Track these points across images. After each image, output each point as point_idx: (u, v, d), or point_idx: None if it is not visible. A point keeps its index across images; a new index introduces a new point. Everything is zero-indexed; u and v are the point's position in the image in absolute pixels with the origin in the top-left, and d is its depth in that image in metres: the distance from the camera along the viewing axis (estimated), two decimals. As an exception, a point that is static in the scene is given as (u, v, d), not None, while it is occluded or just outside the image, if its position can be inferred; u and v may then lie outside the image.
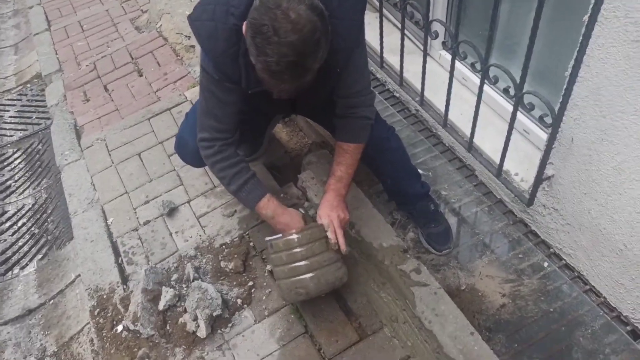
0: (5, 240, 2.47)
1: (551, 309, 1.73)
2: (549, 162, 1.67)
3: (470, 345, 1.36)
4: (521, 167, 1.94)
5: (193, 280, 1.67)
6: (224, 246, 1.83)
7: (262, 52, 1.12)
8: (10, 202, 2.71)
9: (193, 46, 3.07)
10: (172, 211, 2.05)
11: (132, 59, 3.21)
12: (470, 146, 1.98)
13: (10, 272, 2.29)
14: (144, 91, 2.89)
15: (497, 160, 1.87)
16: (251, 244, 1.83)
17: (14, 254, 2.39)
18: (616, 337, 1.62)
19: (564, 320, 1.70)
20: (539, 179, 1.69)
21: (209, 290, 1.59)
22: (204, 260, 1.80)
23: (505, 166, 1.94)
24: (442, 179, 2.18)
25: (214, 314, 1.57)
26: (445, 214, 2.04)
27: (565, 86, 1.41)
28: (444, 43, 1.87)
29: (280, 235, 1.47)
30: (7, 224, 2.56)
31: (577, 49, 1.31)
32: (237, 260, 1.72)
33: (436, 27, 1.93)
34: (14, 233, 2.50)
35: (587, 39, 1.27)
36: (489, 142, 2.03)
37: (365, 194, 2.12)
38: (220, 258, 1.79)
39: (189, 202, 2.09)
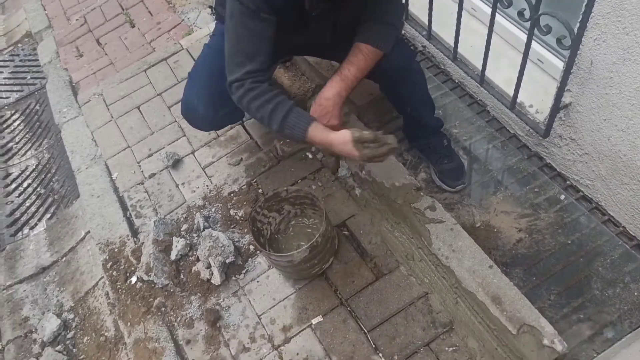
0: (12, 201, 2.45)
1: (569, 241, 1.70)
2: (566, 90, 1.60)
3: (489, 278, 1.33)
4: (536, 98, 1.86)
5: (203, 230, 1.64)
6: (232, 194, 1.80)
7: None
8: (13, 164, 2.67)
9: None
10: (176, 163, 2.00)
11: (123, 9, 3.08)
12: (482, 79, 1.89)
13: (20, 233, 2.28)
14: (138, 42, 2.78)
15: (511, 93, 1.79)
16: (260, 190, 1.79)
17: (22, 214, 2.37)
18: (636, 265, 1.60)
19: (582, 252, 1.67)
20: (556, 108, 1.62)
21: (220, 238, 1.57)
22: (213, 210, 1.76)
23: (519, 98, 1.86)
24: (452, 117, 2.11)
25: (227, 261, 1.55)
26: (457, 152, 1.99)
27: (585, 2, 1.31)
28: (452, -32, 1.75)
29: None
30: (13, 186, 2.54)
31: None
32: (246, 207, 1.69)
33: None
34: (20, 194, 2.48)
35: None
36: (501, 74, 1.94)
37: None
38: (229, 206, 1.76)
39: (193, 152, 2.04)
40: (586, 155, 1.67)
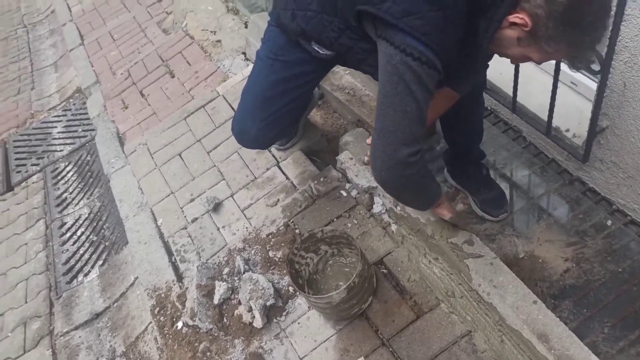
0: (67, 250, 2.58)
1: (620, 269, 1.62)
2: (602, 113, 1.56)
3: (534, 314, 1.29)
4: (572, 122, 1.82)
5: (244, 273, 1.68)
6: (270, 236, 1.84)
7: (594, 30, 1.06)
8: (68, 214, 2.82)
9: (219, 41, 3.08)
10: (217, 206, 2.07)
11: (163, 61, 3.26)
12: (514, 106, 1.88)
13: (75, 280, 2.40)
14: (178, 91, 2.93)
15: (545, 118, 1.77)
16: (297, 230, 1.82)
17: (76, 262, 2.50)
18: (696, 291, 1.51)
19: (635, 280, 1.59)
20: (593, 132, 1.58)
21: (260, 281, 1.60)
22: (252, 252, 1.81)
23: (555, 123, 1.83)
24: (487, 144, 2.08)
25: (268, 303, 1.58)
26: (496, 179, 1.96)
27: (611, 27, 1.29)
28: None
29: None
30: (67, 235, 2.68)
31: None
32: (284, 248, 1.72)
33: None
34: (74, 242, 2.62)
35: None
36: (534, 99, 1.92)
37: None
38: (267, 248, 1.79)
39: (232, 195, 2.10)
40: (630, 178, 1.61)
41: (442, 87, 1.44)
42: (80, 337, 2.09)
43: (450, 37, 1.15)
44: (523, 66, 1.77)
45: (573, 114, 1.83)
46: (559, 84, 1.92)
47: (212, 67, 2.96)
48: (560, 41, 1.07)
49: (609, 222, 1.73)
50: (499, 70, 2.01)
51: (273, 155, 2.17)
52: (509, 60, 1.29)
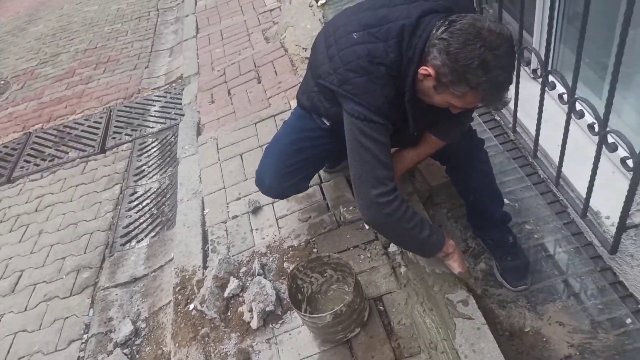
0: (131, 216, 2.90)
1: (623, 370, 1.56)
2: (638, 210, 1.51)
3: (501, 389, 1.30)
4: (615, 210, 1.75)
5: (257, 275, 1.82)
6: (290, 248, 1.97)
7: (488, 71, 1.21)
8: (140, 185, 3.16)
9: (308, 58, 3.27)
10: (256, 210, 2.24)
11: (255, 66, 3.53)
12: (557, 181, 1.85)
13: (129, 244, 2.70)
14: (259, 97, 3.16)
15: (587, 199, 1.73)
16: (314, 249, 1.93)
17: (134, 229, 2.80)
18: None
19: (635, 385, 1.52)
20: (623, 225, 1.54)
21: (267, 287, 1.74)
22: (271, 259, 1.95)
23: (597, 207, 1.79)
24: (529, 212, 2.07)
25: (267, 308, 1.71)
26: (526, 249, 1.94)
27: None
28: (534, 71, 1.77)
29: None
30: (135, 203, 3.00)
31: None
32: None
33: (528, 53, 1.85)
34: (138, 211, 2.93)
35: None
36: (584, 178, 1.87)
37: (443, 216, 2.11)
38: (284, 259, 1.93)
39: (273, 203, 2.26)
40: (657, 282, 1.54)
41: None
42: (116, 294, 2.36)
43: (378, 96, 1.37)
44: (582, 144, 1.74)
45: (619, 201, 1.76)
46: (614, 169, 1.87)
47: (295, 81, 3.17)
48: (462, 84, 1.24)
49: (629, 321, 1.66)
50: (556, 142, 1.99)
51: (319, 175, 2.30)
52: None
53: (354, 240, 1.91)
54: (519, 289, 1.82)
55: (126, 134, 3.70)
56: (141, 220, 2.85)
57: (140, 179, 3.21)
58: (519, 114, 2.05)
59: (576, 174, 1.87)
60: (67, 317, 2.30)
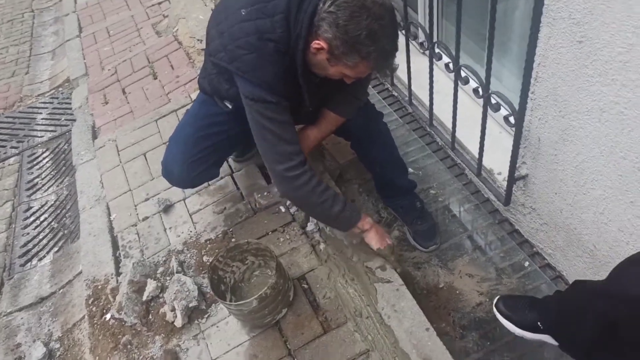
0: (28, 233, 2.67)
1: (527, 310, 1.72)
2: (523, 162, 1.67)
3: (424, 340, 1.39)
4: (505, 166, 1.92)
5: (175, 273, 1.77)
6: (208, 242, 1.93)
7: (376, 41, 1.26)
8: (35, 199, 2.92)
9: (204, 49, 3.19)
10: (168, 208, 2.17)
11: (149, 62, 3.37)
12: (452, 145, 1.99)
13: (29, 263, 2.49)
14: (157, 93, 3.04)
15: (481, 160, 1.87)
16: (233, 239, 1.91)
17: (34, 246, 2.58)
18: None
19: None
20: (512, 178, 1.69)
21: (187, 283, 1.69)
22: (189, 255, 1.90)
23: (490, 165, 1.95)
24: (431, 178, 2.20)
25: (190, 305, 1.67)
26: (432, 212, 2.06)
27: (521, 85, 1.41)
28: (421, 44, 1.88)
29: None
30: (31, 219, 2.77)
31: (527, 49, 1.31)
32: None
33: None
34: (36, 227, 2.70)
35: (534, 39, 1.27)
36: (476, 140, 2.03)
37: (355, 191, 2.18)
38: (203, 253, 1.89)
39: (184, 199, 2.20)
40: (545, 225, 1.72)
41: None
42: (22, 318, 2.18)
43: (269, 72, 1.39)
44: (472, 110, 1.88)
45: (507, 159, 1.93)
46: (500, 129, 2.04)
47: (193, 74, 3.08)
48: (354, 54, 1.29)
49: (527, 264, 1.83)
50: (448, 109, 2.14)
51: (229, 166, 2.27)
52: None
53: (271, 225, 1.92)
54: (430, 249, 1.94)
55: (11, 147, 3.38)
56: (40, 237, 2.64)
57: (34, 192, 2.96)
58: (412, 87, 2.16)
59: (468, 138, 2.02)
60: (-36, 353, 2.08)
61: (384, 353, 1.47)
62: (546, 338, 1.39)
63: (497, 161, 1.94)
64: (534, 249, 1.86)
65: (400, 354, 1.41)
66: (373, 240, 1.66)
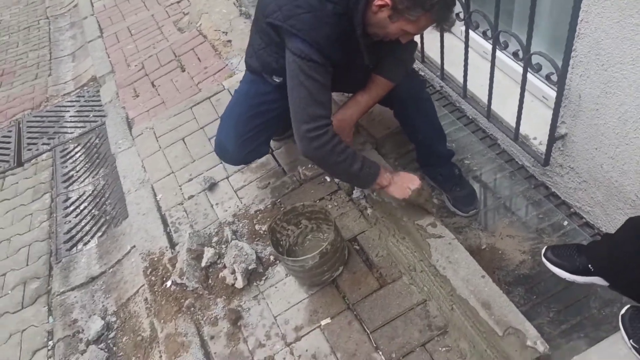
0: (70, 221, 2.76)
1: (570, 264, 1.79)
2: (562, 122, 1.75)
3: (480, 286, 1.46)
4: (540, 131, 2.01)
5: (231, 241, 1.85)
6: (258, 212, 2.02)
7: None
8: (72, 190, 3.01)
9: (230, 41, 3.29)
10: (212, 186, 2.25)
11: (176, 56, 3.47)
12: (488, 114, 2.07)
13: (75, 248, 2.57)
14: (187, 84, 3.13)
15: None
16: (282, 208, 2.00)
17: (77, 232, 2.67)
18: (633, 286, 1.67)
19: (581, 274, 1.76)
20: (552, 138, 1.77)
21: (245, 248, 1.77)
22: (241, 225, 1.98)
23: (525, 131, 2.02)
24: (465, 149, 2.28)
25: (249, 267, 1.75)
26: (470, 180, 2.14)
27: (565, 42, 1.49)
28: (457, 14, 1.96)
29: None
30: (71, 208, 2.86)
31: (572, 3, 1.39)
32: (268, 224, 1.89)
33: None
34: (77, 215, 2.79)
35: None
36: (509, 110, 2.10)
37: (390, 165, 2.26)
38: (255, 222, 1.97)
39: (227, 178, 2.28)
40: (584, 182, 1.79)
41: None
42: (75, 297, 2.26)
43: (322, 34, 1.45)
44: (503, 82, 1.95)
45: (541, 124, 2.01)
46: (533, 98, 2.13)
47: (221, 64, 3.17)
48: (417, 8, 1.36)
49: (565, 223, 1.91)
50: (479, 82, 2.22)
51: (269, 149, 2.35)
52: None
53: (318, 194, 2.00)
54: (470, 214, 2.01)
55: (43, 144, 3.48)
56: (83, 224, 2.72)
57: (71, 184, 3.05)
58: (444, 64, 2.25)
59: (502, 107, 2.10)
60: (24, 330, 2.16)
61: (441, 302, 1.55)
62: (597, 280, 1.45)
63: (531, 128, 2.02)
64: (571, 210, 1.94)
65: (458, 300, 1.48)
66: (395, 192, 1.66)
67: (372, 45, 1.56)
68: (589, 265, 1.45)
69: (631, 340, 1.24)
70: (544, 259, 1.59)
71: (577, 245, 1.59)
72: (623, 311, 1.31)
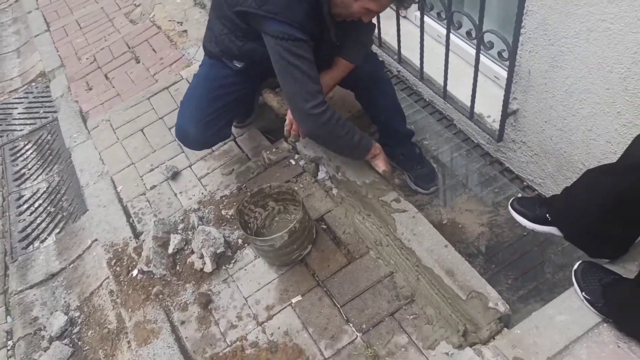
0: (24, 220, 2.65)
1: (525, 233, 1.89)
2: (513, 98, 1.84)
3: (444, 255, 1.53)
4: (493, 109, 2.10)
5: (197, 226, 1.84)
6: (224, 197, 2.01)
7: None
8: (25, 188, 2.89)
9: (185, 31, 3.25)
10: (175, 175, 2.23)
11: (129, 48, 3.39)
12: (444, 94, 2.14)
13: (31, 246, 2.48)
14: (142, 76, 3.07)
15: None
16: (248, 193, 2.00)
17: (33, 230, 2.57)
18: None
19: (536, 242, 1.87)
20: (505, 114, 1.85)
21: (212, 232, 1.77)
22: (207, 211, 1.98)
23: (479, 110, 2.11)
24: (423, 130, 2.35)
25: (218, 251, 1.75)
26: (430, 159, 2.21)
27: (515, 20, 1.57)
28: (412, -1, 2.02)
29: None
30: (25, 206, 2.75)
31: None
32: (235, 207, 1.90)
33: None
34: (31, 213, 2.69)
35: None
36: (463, 90, 2.19)
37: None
38: (221, 208, 1.97)
39: (190, 166, 2.26)
40: (536, 156, 1.89)
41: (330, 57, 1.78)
42: (34, 294, 2.18)
43: (298, 11, 1.48)
44: (457, 64, 2.02)
45: (494, 103, 2.11)
46: (485, 79, 2.22)
47: (177, 55, 3.13)
48: None
49: (520, 195, 2.00)
50: (435, 65, 2.29)
51: (231, 132, 2.35)
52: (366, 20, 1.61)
53: (284, 177, 2.02)
54: (431, 190, 2.08)
55: (-10, 143, 3.33)
56: (38, 221, 2.63)
57: (23, 182, 2.94)
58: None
59: (457, 88, 2.18)
60: (-20, 332, 2.07)
61: (407, 272, 1.60)
62: (554, 230, 1.53)
63: (484, 107, 2.11)
64: (524, 183, 2.04)
65: (423, 270, 1.54)
66: (382, 162, 1.79)
67: (336, 24, 1.60)
68: (547, 215, 1.53)
69: (583, 293, 1.33)
70: (510, 208, 1.66)
71: (542, 197, 1.67)
72: (575, 266, 1.40)
